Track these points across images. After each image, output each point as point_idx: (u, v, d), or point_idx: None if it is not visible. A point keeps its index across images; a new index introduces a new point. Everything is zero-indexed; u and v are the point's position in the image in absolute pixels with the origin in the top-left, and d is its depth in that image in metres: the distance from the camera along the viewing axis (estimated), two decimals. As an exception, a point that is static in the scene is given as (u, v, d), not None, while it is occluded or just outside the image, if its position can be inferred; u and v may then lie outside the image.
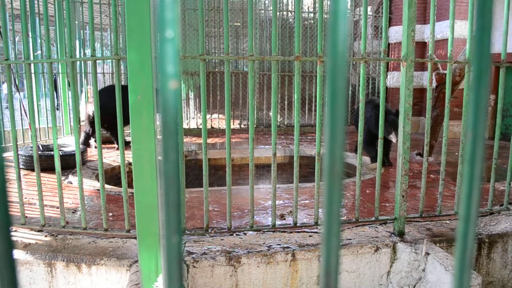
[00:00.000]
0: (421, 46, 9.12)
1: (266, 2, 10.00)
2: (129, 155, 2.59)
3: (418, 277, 2.90)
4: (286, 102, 9.65)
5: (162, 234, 0.35)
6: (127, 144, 6.72)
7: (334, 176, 0.36)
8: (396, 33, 9.44)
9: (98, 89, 2.82)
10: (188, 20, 8.91)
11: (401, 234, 3.04)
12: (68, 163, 5.00)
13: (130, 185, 2.56)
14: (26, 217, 3.07)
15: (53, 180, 4.26)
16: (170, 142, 0.33)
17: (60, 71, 7.86)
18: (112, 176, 5.59)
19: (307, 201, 3.92)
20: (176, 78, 0.32)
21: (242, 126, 9.43)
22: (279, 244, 2.89)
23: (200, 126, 4.47)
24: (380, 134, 3.07)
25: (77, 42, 8.57)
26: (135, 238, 2.52)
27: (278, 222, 3.20)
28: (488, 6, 0.35)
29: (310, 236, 3.06)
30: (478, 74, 0.36)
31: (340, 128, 0.34)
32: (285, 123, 9.44)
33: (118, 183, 5.16)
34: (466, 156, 0.38)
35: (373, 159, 5.54)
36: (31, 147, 4.80)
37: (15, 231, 3.06)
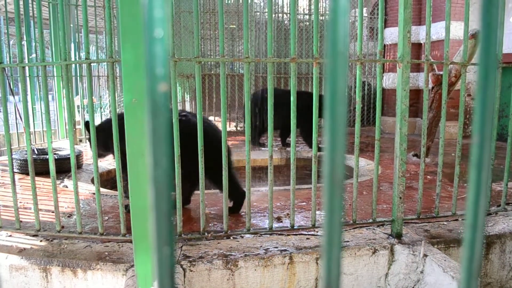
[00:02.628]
0: (417, 47, 9.14)
1: (262, 4, 10.00)
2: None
3: (416, 279, 2.89)
4: (282, 104, 9.62)
5: (153, 245, 0.33)
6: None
7: (334, 183, 0.34)
8: (392, 34, 9.45)
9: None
10: (184, 23, 8.89)
11: (398, 236, 3.02)
12: (64, 167, 4.96)
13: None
14: (21, 221, 3.04)
15: (48, 184, 4.22)
16: (160, 148, 0.31)
17: (55, 74, 7.81)
18: (108, 179, 5.55)
19: (304, 203, 3.90)
20: (165, 80, 0.30)
21: (239, 128, 9.41)
22: (276, 247, 2.87)
23: (196, 129, 4.50)
24: (377, 135, 3.05)
25: (72, 45, 8.54)
26: (131, 242, 2.49)
27: (275, 225, 3.18)
28: (494, 1, 0.33)
29: (307, 238, 3.04)
30: (485, 73, 0.34)
31: (341, 133, 0.32)
32: (282, 125, 9.41)
33: (114, 187, 5.12)
34: (472, 159, 0.36)
35: None
36: (26, 150, 4.77)
37: (10, 236, 3.03)
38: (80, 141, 7.77)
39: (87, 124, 3.31)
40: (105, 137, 3.35)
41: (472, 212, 0.36)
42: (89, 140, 3.19)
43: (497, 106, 3.29)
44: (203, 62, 3.43)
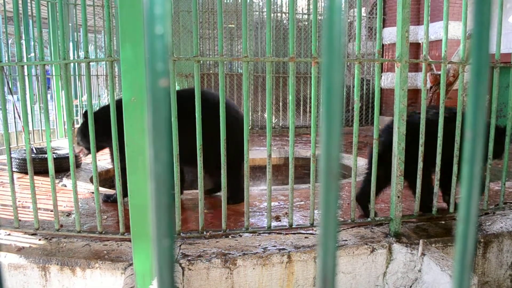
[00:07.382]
0: (415, 47, 9.16)
1: (260, 3, 10.01)
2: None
3: (414, 278, 2.90)
4: (281, 103, 9.64)
5: (153, 237, 0.33)
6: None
7: (330, 177, 0.35)
8: (390, 34, 9.47)
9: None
10: (183, 22, 8.89)
11: (396, 235, 3.03)
12: (62, 166, 4.97)
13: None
14: (20, 220, 3.05)
15: (47, 183, 4.22)
16: (160, 142, 0.32)
17: (54, 73, 7.81)
18: (107, 178, 5.55)
19: (302, 203, 3.91)
20: (166, 76, 0.31)
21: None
22: (274, 246, 2.88)
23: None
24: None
25: (71, 44, 8.53)
26: (130, 240, 2.50)
27: (273, 224, 3.19)
28: (487, 1, 0.34)
29: (305, 237, 3.05)
30: (477, 71, 0.35)
31: (337, 128, 0.33)
32: (280, 124, 9.43)
33: (112, 186, 5.13)
34: (465, 155, 0.37)
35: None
36: (25, 150, 4.77)
37: (9, 234, 3.03)
38: (79, 140, 7.76)
39: (85, 114, 3.30)
40: (105, 126, 3.05)
41: (465, 207, 0.37)
42: (84, 127, 3.15)
43: (495, 106, 3.30)
44: (201, 62, 3.43)
